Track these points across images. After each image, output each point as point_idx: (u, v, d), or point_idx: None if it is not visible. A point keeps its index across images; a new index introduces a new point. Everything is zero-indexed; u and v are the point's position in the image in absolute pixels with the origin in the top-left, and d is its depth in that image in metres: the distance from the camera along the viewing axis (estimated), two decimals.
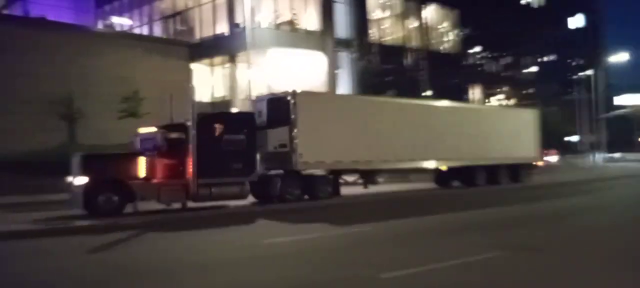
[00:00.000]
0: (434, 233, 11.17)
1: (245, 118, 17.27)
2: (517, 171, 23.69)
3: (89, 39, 28.33)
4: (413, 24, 39.37)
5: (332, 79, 32.37)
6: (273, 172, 17.03)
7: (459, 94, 35.32)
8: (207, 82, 33.55)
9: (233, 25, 31.31)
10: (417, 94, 31.33)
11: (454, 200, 18.90)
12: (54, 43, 26.01)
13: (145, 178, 14.39)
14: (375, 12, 36.84)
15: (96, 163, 14.55)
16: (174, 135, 15.04)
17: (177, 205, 14.76)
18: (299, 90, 17.63)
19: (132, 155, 15.01)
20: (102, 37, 30.03)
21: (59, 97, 22.20)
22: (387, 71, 34.65)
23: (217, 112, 18.41)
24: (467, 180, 22.22)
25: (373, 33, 35.93)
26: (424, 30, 39.83)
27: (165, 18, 36.07)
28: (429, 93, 34.38)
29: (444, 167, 21.37)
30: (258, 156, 16.51)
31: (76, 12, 34.94)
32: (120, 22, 37.55)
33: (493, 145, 22.26)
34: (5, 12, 31.38)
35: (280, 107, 17.26)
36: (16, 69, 24.42)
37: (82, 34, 28.90)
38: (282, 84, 28.55)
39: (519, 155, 23.66)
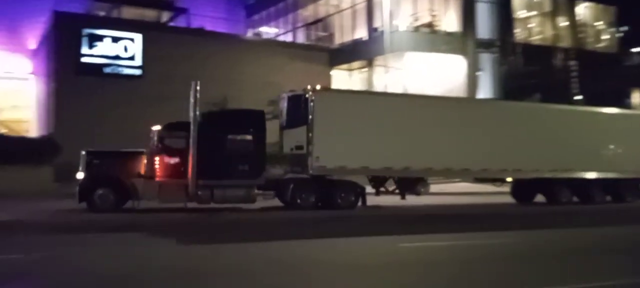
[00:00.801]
0: (555, 252, 9.84)
1: (252, 116, 15.68)
2: (620, 188, 19.58)
3: (240, 47, 30.54)
4: (563, 22, 36.33)
5: (473, 82, 31.07)
6: (290, 175, 16.06)
7: (617, 98, 31.71)
8: (345, 86, 34.19)
9: (372, 29, 31.52)
10: (566, 99, 28.76)
11: (543, 217, 16.14)
12: (211, 51, 28.46)
13: (146, 177, 14.25)
14: (521, 10, 34.64)
15: (96, 160, 14.62)
16: (177, 134, 14.67)
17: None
18: (318, 87, 16.14)
19: (134, 153, 14.90)
20: (252, 45, 32.11)
21: (215, 100, 24.10)
22: (532, 73, 32.34)
23: (221, 110, 17.74)
24: (549, 195, 19.02)
25: (518, 33, 33.80)
26: (576, 29, 36.54)
27: (308, 25, 37.46)
28: (579, 97, 31.40)
29: (509, 179, 18.99)
30: (281, 157, 16.04)
31: (229, 22, 37.80)
32: (267, 30, 39.85)
33: (585, 156, 18.52)
34: (171, 24, 34.96)
35: (299, 106, 15.84)
36: (179, 73, 27.11)
37: (234, 43, 31.24)
38: (419, 88, 28.18)
39: (624, 169, 19.32)
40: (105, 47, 26.83)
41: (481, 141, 17.06)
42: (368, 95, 19.69)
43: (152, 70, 27.15)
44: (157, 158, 14.47)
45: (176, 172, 14.42)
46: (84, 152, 14.56)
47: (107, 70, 26.78)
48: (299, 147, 15.64)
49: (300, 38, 37.55)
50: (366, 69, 33.02)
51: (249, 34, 38.88)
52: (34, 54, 35.05)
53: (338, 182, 16.11)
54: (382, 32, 29.80)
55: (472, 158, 17.08)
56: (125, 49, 27.30)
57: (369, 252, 9.68)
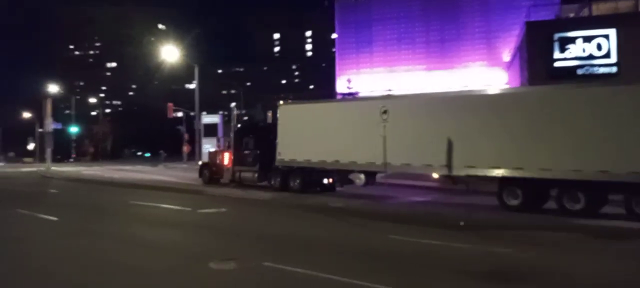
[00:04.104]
0: None
1: (251, 126, 28.63)
2: None
3: None
4: None
5: None
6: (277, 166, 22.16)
7: None
8: None
9: None
10: None
11: None
12: None
13: (220, 164, 25.46)
14: None
15: (209, 153, 27.76)
16: (228, 139, 25.99)
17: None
18: (281, 102, 23.00)
19: (219, 150, 26.18)
20: None
21: None
22: None
23: (242, 125, 27.74)
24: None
25: None
26: None
27: None
28: None
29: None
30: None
31: None
32: None
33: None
34: None
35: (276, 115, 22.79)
36: None
37: None
38: None
39: None
40: (577, 49, 26.00)
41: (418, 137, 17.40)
42: (308, 104, 24.45)
43: (629, 66, 24.49)
44: (224, 153, 25.54)
45: (229, 161, 24.97)
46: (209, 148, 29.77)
47: (581, 71, 25.88)
48: (275, 145, 22.01)
49: None
50: None
51: None
52: (508, 66, 37.64)
53: (295, 170, 21.52)
54: None
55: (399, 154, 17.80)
56: (599, 47, 25.64)
57: None
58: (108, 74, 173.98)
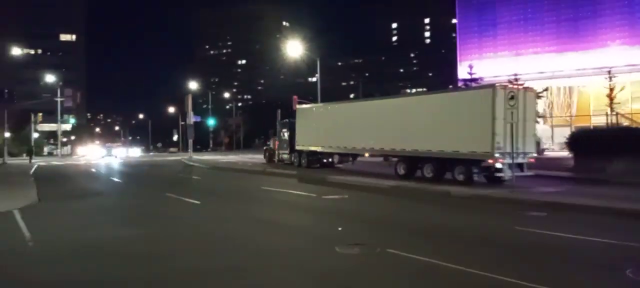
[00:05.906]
0: None
1: (287, 123, 32.72)
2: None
3: None
4: None
5: None
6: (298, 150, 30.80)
7: None
8: None
9: None
10: None
11: None
12: None
13: (273, 148, 35.05)
14: None
15: (270, 140, 36.96)
16: (275, 130, 35.38)
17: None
18: (297, 105, 33.35)
19: (274, 138, 35.65)
20: None
21: None
22: None
23: (284, 120, 34.24)
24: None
25: None
26: None
27: None
28: None
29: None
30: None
31: None
32: None
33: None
34: None
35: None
36: None
37: None
38: None
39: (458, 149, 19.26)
40: None
41: (379, 129, 23.82)
42: (318, 106, 32.29)
43: None
44: (275, 141, 34.67)
45: (276, 146, 34.37)
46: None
47: None
48: (293, 136, 31.18)
49: None
50: None
51: None
52: None
53: (304, 153, 30.03)
54: None
55: (369, 142, 24.38)
56: None
57: None
58: (239, 70, 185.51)
